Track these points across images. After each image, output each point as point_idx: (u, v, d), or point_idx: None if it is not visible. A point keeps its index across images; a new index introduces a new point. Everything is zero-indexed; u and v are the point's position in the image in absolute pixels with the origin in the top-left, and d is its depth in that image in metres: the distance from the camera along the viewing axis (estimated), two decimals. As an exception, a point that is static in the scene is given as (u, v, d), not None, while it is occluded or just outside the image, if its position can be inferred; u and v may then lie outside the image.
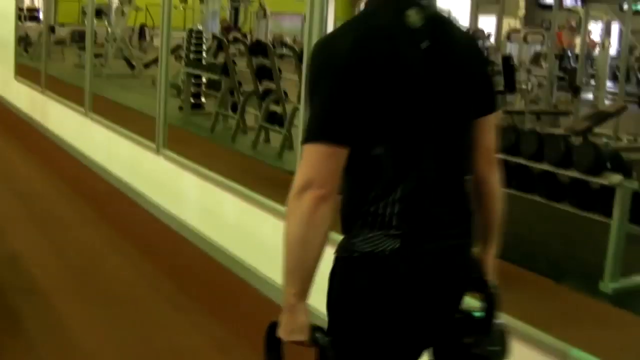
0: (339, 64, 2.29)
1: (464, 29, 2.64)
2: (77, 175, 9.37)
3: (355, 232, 2.40)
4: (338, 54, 2.31)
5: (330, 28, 4.95)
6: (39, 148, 11.00)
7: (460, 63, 2.45)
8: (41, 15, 20.96)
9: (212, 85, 12.31)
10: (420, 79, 2.34)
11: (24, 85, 13.29)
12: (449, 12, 2.76)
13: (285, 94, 10.13)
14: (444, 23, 2.47)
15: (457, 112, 2.44)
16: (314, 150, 2.27)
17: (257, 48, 11.07)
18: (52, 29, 18.62)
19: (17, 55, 14.39)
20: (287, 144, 9.10)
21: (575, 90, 13.77)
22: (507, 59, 15.84)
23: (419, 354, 2.56)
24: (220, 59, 12.99)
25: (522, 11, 26.73)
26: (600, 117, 10.07)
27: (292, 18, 24.33)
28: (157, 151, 7.59)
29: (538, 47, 19.77)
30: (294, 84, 9.91)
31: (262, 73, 10.53)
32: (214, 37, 14.38)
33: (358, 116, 2.28)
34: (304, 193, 2.25)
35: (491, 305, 2.60)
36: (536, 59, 18.76)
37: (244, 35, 18.29)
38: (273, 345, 2.40)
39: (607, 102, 14.32)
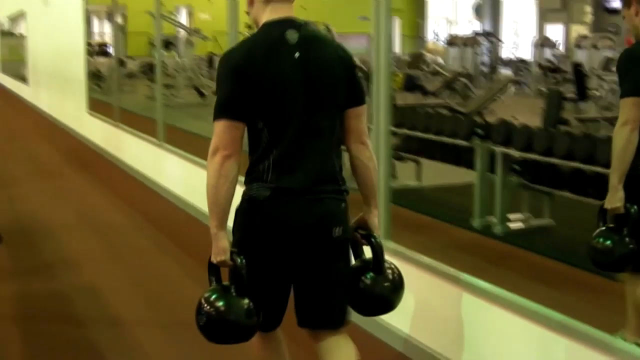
0: (233, 67, 3.37)
1: (336, 45, 3.60)
2: (153, 206, 9.45)
3: (248, 184, 3.46)
4: (233, 60, 3.41)
5: (397, 47, 4.95)
6: (114, 180, 11.13)
7: (326, 68, 3.45)
8: (111, 50, 21.25)
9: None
10: (291, 78, 3.37)
11: (97, 120, 13.48)
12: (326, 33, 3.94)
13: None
14: (316, 40, 3.52)
15: (321, 102, 3.43)
16: (219, 124, 3.32)
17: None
18: (122, 63, 18.89)
19: (89, 90, 14.60)
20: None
21: (649, 94, 13.51)
22: (577, 67, 15.70)
23: (288, 275, 3.53)
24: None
25: (589, 17, 26.48)
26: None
27: (358, 38, 24.32)
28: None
29: (608, 53, 19.50)
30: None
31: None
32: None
33: (245, 101, 3.32)
34: (214, 155, 3.30)
35: (377, 253, 3.61)
36: (607, 64, 18.53)
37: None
38: (212, 269, 3.48)
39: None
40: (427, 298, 4.86)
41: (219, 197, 3.33)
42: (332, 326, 3.58)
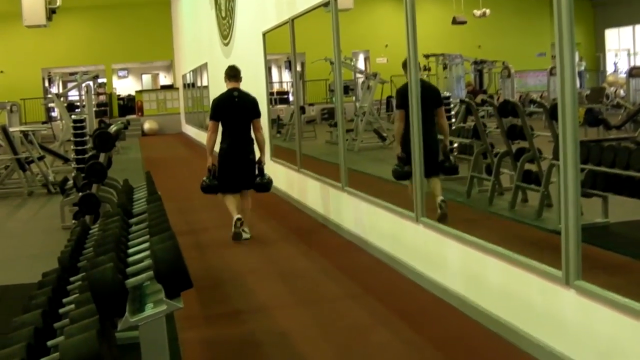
0: (215, 104, 10.78)
1: (250, 95, 10.76)
2: (336, 249, 9.49)
3: (221, 144, 10.68)
4: (215, 102, 10.80)
5: (576, 81, 4.80)
6: (296, 225, 11.26)
7: (246, 104, 10.62)
8: (291, 97, 21.57)
9: (464, 149, 12.20)
10: (233, 108, 10.55)
11: (280, 166, 13.68)
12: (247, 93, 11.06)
13: (539, 151, 9.85)
14: (244, 95, 10.66)
15: (243, 117, 10.56)
16: (210, 122, 10.77)
17: (506, 108, 10.86)
18: (302, 109, 19.16)
19: (271, 137, 14.82)
20: (546, 201, 8.84)
21: None
22: None
23: (238, 177, 10.58)
24: (469, 122, 12.88)
25: None
26: None
27: (536, 74, 24.04)
28: (417, 220, 7.58)
29: None
30: (546, 140, 9.66)
31: (513, 133, 10.34)
32: (462, 101, 14.27)
33: (218, 115, 10.61)
34: (208, 132, 10.77)
35: (261, 170, 10.57)
36: None
37: (491, 97, 18.10)
38: (208, 170, 10.59)
39: None
40: (618, 338, 4.70)
41: (209, 145, 10.62)
42: (246, 188, 10.61)
